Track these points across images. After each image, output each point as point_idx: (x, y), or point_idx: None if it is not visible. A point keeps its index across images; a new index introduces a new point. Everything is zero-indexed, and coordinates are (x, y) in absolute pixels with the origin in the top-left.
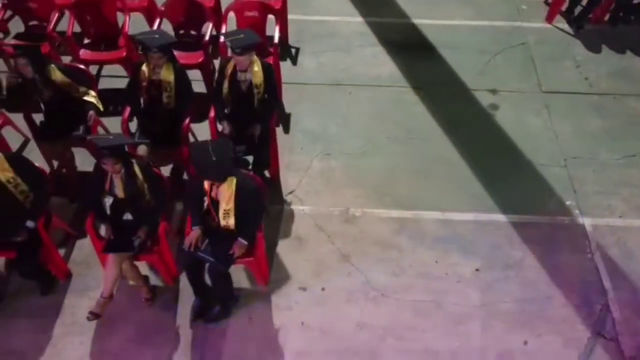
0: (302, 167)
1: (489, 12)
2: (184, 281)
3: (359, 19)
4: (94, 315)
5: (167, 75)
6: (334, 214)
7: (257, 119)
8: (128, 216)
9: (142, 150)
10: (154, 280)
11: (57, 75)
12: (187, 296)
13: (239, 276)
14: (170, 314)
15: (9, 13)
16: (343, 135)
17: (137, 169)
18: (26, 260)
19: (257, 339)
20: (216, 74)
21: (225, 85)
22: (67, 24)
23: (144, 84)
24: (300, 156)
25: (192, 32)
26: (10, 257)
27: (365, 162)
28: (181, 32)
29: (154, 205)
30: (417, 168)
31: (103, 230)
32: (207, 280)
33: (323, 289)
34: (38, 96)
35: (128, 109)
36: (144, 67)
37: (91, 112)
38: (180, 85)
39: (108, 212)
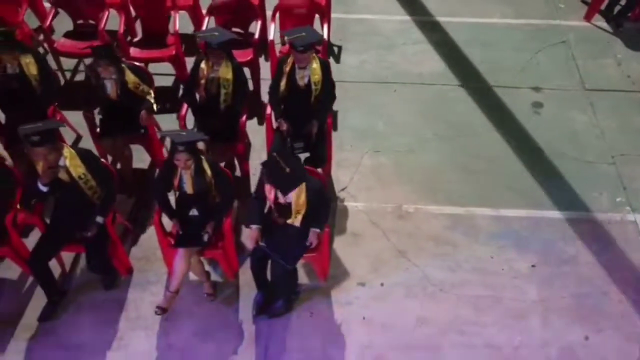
0: (352, 164)
1: (526, 10)
2: (243, 277)
3: (399, 17)
4: (161, 310)
5: (225, 72)
6: (387, 210)
7: (314, 116)
8: (194, 212)
9: (200, 146)
10: (214, 275)
11: (129, 75)
12: (246, 292)
13: (298, 272)
14: (232, 309)
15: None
16: (390, 132)
17: (205, 165)
18: (95, 255)
19: (320, 334)
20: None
21: (283, 82)
22: (118, 23)
23: (202, 81)
24: (350, 153)
25: (238, 30)
26: (80, 252)
27: (414, 159)
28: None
29: (220, 202)
30: (466, 165)
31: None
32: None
33: (382, 284)
34: (104, 95)
35: (185, 107)
36: (203, 65)
37: (143, 112)
38: (238, 83)
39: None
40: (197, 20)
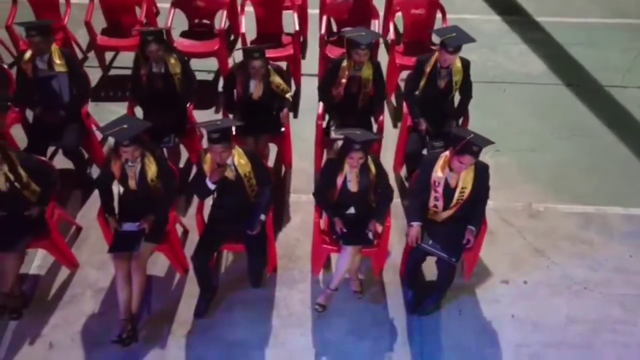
0: None
1: (623, 10)
2: (387, 275)
3: (498, 17)
4: (321, 307)
5: (367, 72)
6: (518, 209)
7: (453, 115)
8: (352, 210)
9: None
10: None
11: (274, 75)
12: (392, 289)
13: None
14: (380, 306)
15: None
16: (506, 132)
17: (370, 163)
18: (256, 253)
19: (472, 332)
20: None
21: (423, 82)
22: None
23: (343, 80)
24: None
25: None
26: (239, 250)
27: (536, 158)
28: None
29: (380, 199)
30: (587, 163)
31: None
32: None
33: (525, 282)
34: (247, 94)
35: (321, 106)
36: (344, 64)
37: (285, 111)
38: (378, 82)
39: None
40: (304, 19)
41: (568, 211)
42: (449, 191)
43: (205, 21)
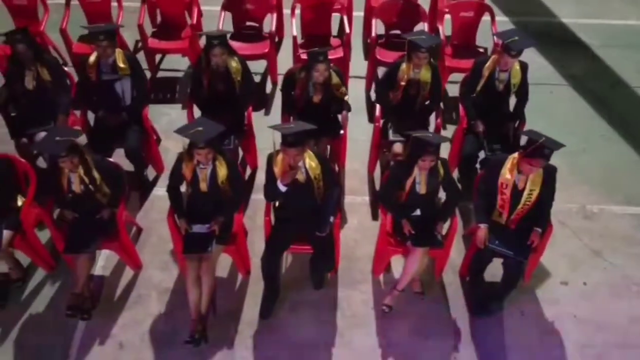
0: None
1: None
2: (446, 276)
3: (537, 19)
4: (388, 308)
5: (426, 75)
6: (572, 210)
7: (511, 117)
8: (417, 212)
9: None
10: None
11: (335, 78)
12: (453, 290)
13: None
14: (442, 307)
15: None
16: (555, 133)
17: (440, 165)
18: (324, 254)
19: (535, 332)
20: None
21: (481, 84)
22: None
23: (402, 83)
24: None
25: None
26: (306, 251)
27: (587, 159)
28: (391, 32)
29: (446, 201)
30: (638, 164)
31: None
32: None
33: (585, 284)
34: (307, 97)
35: (379, 108)
36: (403, 66)
37: (344, 113)
38: (436, 85)
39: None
40: (349, 21)
41: (622, 212)
42: (516, 193)
43: (252, 24)
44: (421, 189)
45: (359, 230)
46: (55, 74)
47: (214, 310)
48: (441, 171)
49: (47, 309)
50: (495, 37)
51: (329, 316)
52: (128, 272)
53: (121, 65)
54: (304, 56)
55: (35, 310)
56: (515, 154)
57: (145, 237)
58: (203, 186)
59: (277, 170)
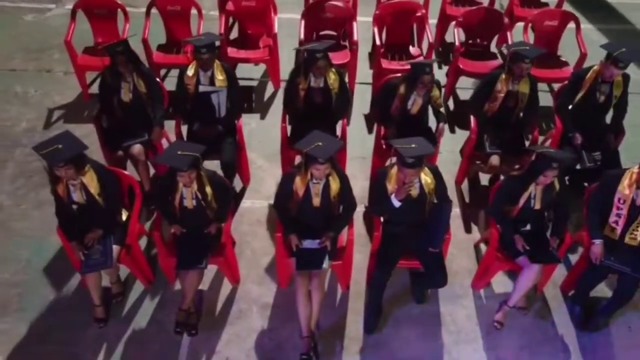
0: None
1: None
2: (548, 290)
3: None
4: (499, 324)
5: (525, 87)
6: None
7: (609, 129)
8: (528, 227)
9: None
10: None
11: (435, 90)
12: (556, 305)
13: None
14: (547, 322)
15: None
16: None
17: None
18: (435, 270)
19: None
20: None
21: (581, 95)
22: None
23: (501, 94)
24: None
25: (480, 41)
26: (416, 267)
27: None
28: (470, 41)
29: (558, 216)
30: None
31: None
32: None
33: None
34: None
35: (473, 120)
36: (503, 77)
37: (441, 124)
38: (534, 97)
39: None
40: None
41: None
42: (635, 209)
43: (330, 32)
44: (536, 204)
45: (453, 243)
46: (151, 86)
47: (317, 326)
48: (556, 186)
49: (149, 324)
50: (602, 48)
51: (434, 332)
52: (226, 287)
53: (219, 77)
54: (390, 66)
55: (138, 325)
56: (635, 168)
57: (239, 251)
58: (316, 201)
59: (389, 185)
